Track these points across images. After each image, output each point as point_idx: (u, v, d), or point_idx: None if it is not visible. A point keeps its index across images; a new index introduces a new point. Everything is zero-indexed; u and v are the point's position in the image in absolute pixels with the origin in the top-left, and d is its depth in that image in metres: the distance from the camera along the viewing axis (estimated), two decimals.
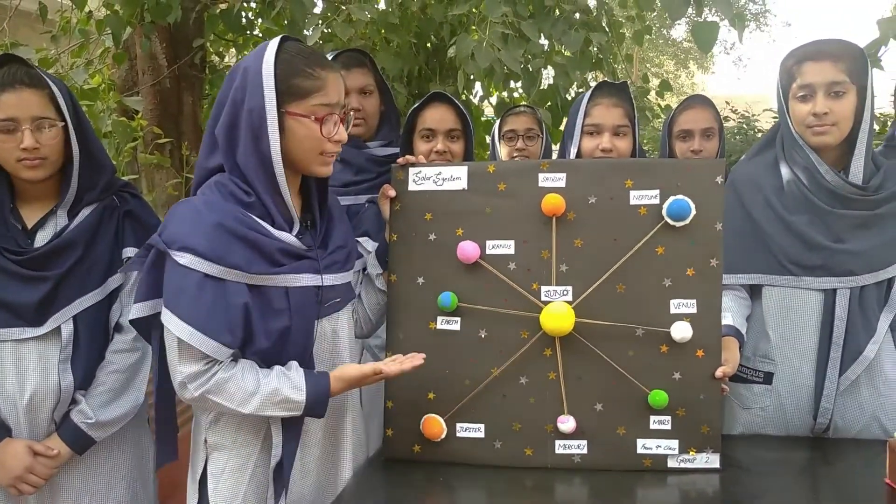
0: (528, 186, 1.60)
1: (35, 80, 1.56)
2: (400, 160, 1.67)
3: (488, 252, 1.61)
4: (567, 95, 3.86)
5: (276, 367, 1.40)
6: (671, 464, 1.55)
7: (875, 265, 1.68)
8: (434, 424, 1.59)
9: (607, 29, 3.76)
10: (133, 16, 3.50)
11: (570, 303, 1.56)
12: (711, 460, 1.55)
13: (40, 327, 1.58)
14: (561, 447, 1.57)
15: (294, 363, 1.42)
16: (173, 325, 1.32)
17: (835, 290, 1.69)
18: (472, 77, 3.31)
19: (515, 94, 4.35)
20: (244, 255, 1.35)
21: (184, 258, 1.32)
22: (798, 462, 1.65)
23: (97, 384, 1.63)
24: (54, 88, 1.57)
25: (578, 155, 1.91)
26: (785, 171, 1.76)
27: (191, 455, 1.51)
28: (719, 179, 1.56)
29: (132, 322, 1.41)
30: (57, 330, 1.59)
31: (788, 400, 1.75)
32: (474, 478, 1.55)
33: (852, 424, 1.72)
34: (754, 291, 1.80)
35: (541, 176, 1.60)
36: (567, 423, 1.55)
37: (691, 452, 1.55)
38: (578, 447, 1.57)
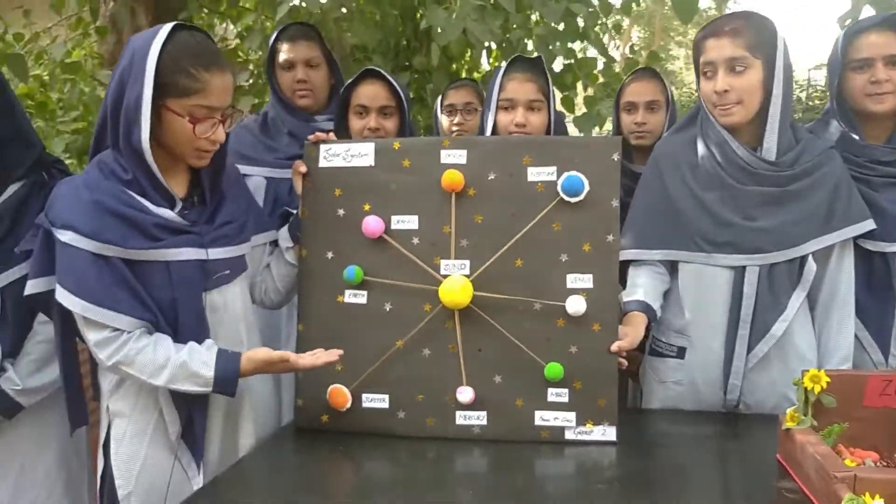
0: (431, 163, 1.63)
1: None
2: (311, 137, 1.71)
3: (393, 227, 1.64)
4: (553, 67, 3.82)
5: (190, 343, 1.46)
6: (568, 436, 1.59)
7: (785, 242, 1.68)
8: (339, 394, 1.64)
9: None
10: None
11: (468, 276, 1.59)
12: (608, 433, 1.58)
13: None
14: (461, 418, 1.61)
15: (209, 341, 1.49)
16: (67, 301, 1.39)
17: (744, 268, 1.69)
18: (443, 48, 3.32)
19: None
20: (120, 231, 1.41)
21: (65, 235, 1.39)
22: (702, 436, 1.67)
23: (25, 353, 1.71)
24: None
25: (494, 129, 1.92)
26: (701, 147, 1.76)
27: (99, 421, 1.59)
28: (615, 156, 1.57)
29: (28, 298, 1.47)
30: None
31: (700, 375, 1.76)
32: (377, 448, 1.60)
33: (765, 401, 1.73)
34: (672, 267, 1.81)
35: (443, 153, 1.63)
36: (464, 393, 1.59)
37: (588, 425, 1.58)
38: (478, 418, 1.61)
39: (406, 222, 1.63)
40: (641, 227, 1.81)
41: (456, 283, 1.57)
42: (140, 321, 1.43)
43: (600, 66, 4.04)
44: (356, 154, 1.67)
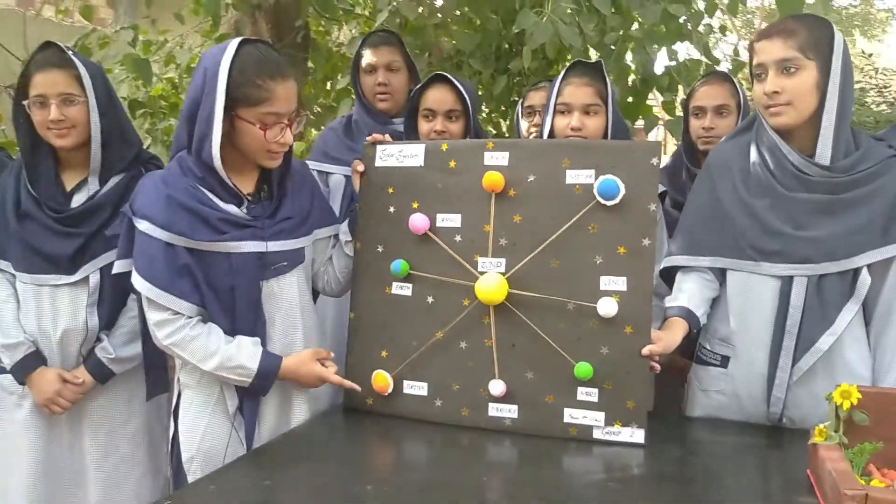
0: (475, 164, 1.70)
1: (64, 62, 1.84)
2: (368, 139, 1.83)
3: (438, 225, 1.73)
4: (655, 69, 3.77)
5: (239, 337, 1.63)
6: (596, 435, 1.62)
7: (836, 254, 1.62)
8: (381, 379, 1.75)
9: None
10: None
11: (503, 274, 1.66)
12: (636, 435, 1.60)
13: (73, 275, 1.89)
14: (494, 410, 1.68)
15: (257, 339, 1.65)
16: (137, 282, 1.59)
17: (792, 278, 1.66)
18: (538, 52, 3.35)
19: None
20: (189, 223, 1.58)
21: (142, 224, 1.59)
22: (737, 445, 1.65)
23: (118, 326, 1.93)
24: (81, 70, 1.85)
25: (551, 133, 1.96)
26: (753, 153, 1.73)
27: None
28: (654, 161, 1.59)
29: (105, 276, 1.68)
30: (86, 279, 1.89)
31: (743, 386, 1.73)
32: (415, 432, 1.70)
33: (810, 416, 1.68)
34: (722, 275, 1.79)
35: (486, 154, 1.70)
36: (496, 386, 1.66)
37: (617, 425, 1.61)
38: (509, 411, 1.67)
39: (450, 220, 1.72)
40: (691, 234, 1.81)
41: (491, 280, 1.64)
42: (198, 308, 1.60)
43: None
44: (408, 155, 1.77)
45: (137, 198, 1.63)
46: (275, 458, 1.54)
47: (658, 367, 1.62)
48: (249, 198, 1.68)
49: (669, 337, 1.63)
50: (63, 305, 1.89)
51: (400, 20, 3.67)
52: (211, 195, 1.62)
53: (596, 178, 1.61)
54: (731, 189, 1.74)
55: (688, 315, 1.71)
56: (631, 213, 1.60)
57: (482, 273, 1.67)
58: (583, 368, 1.60)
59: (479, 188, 1.68)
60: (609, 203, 1.59)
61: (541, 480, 1.45)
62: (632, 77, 3.79)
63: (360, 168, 1.81)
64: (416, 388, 1.74)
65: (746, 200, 1.71)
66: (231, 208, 1.64)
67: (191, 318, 1.60)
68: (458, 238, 1.71)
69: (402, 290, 1.76)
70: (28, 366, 1.88)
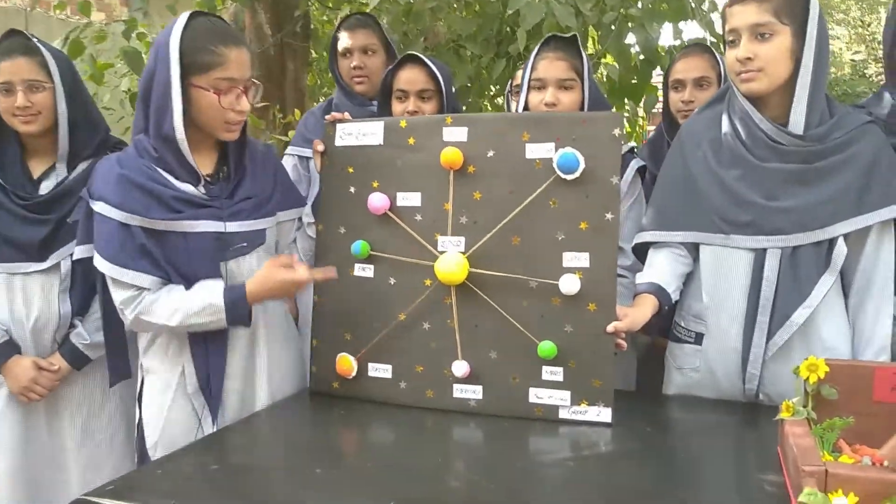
0: (434, 141, 1.66)
1: (29, 49, 1.84)
2: (328, 117, 1.79)
3: (399, 204, 1.69)
4: (659, 49, 3.68)
5: (199, 283, 1.61)
6: (563, 414, 1.57)
7: (809, 224, 1.56)
8: (345, 362, 1.72)
9: None
10: None
11: (464, 253, 1.62)
12: (603, 414, 1.55)
13: (43, 262, 1.88)
14: (458, 391, 1.64)
15: (218, 279, 1.63)
16: (98, 263, 1.59)
17: (765, 251, 1.59)
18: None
19: None
20: (143, 202, 1.57)
21: (97, 205, 1.57)
22: (708, 423, 1.60)
23: (92, 311, 1.93)
24: (47, 56, 1.84)
25: (525, 109, 1.91)
26: (725, 123, 1.67)
27: None
28: (616, 132, 1.53)
29: (77, 263, 1.67)
30: (57, 265, 1.89)
31: (718, 363, 1.68)
32: (380, 415, 1.67)
33: (787, 392, 1.61)
34: (696, 250, 1.73)
35: (445, 130, 1.66)
36: (459, 367, 1.62)
37: (583, 404, 1.56)
38: (474, 392, 1.63)
39: (410, 199, 1.68)
40: (662, 208, 1.75)
41: (451, 259, 1.60)
42: (161, 281, 1.59)
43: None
44: (367, 133, 1.73)
45: (94, 180, 1.62)
46: (230, 442, 1.52)
47: (624, 344, 1.57)
48: (208, 178, 1.66)
49: (636, 313, 1.58)
50: (35, 293, 1.89)
51: (393, 4, 3.64)
52: (166, 174, 1.61)
53: (556, 152, 1.56)
54: (702, 161, 1.68)
55: (658, 291, 1.66)
56: (593, 187, 1.54)
57: (442, 253, 1.63)
58: (546, 347, 1.55)
59: (439, 165, 1.64)
60: (569, 177, 1.54)
61: (506, 461, 1.41)
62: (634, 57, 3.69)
63: (321, 148, 1.78)
64: (380, 370, 1.71)
65: (717, 172, 1.65)
66: (187, 187, 1.62)
67: (149, 288, 1.59)
68: (418, 217, 1.68)
69: (364, 271, 1.73)
70: (2, 354, 1.88)
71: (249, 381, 1.72)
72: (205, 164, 1.68)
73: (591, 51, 4.11)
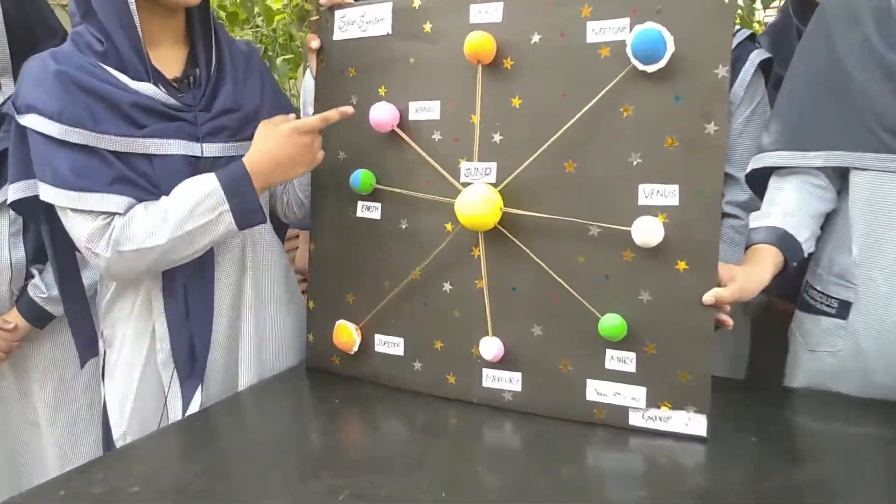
0: (458, 24, 1.16)
1: None
2: (324, 0, 1.31)
3: (411, 117, 1.22)
4: None
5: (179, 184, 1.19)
6: (634, 421, 1.09)
7: None
8: (344, 333, 1.29)
9: None
10: None
11: (495, 185, 1.13)
12: (695, 423, 1.05)
13: None
14: (489, 379, 1.19)
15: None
16: (51, 195, 1.15)
17: None
18: None
19: None
20: (89, 109, 1.13)
21: (28, 119, 1.14)
22: (866, 437, 1.08)
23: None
24: None
25: None
26: None
27: None
28: None
29: (13, 206, 1.28)
30: (4, 204, 1.54)
31: (870, 342, 1.14)
32: (389, 404, 1.24)
33: None
34: (842, 178, 1.18)
35: (473, 8, 1.15)
36: (489, 346, 1.15)
37: (664, 407, 1.07)
38: (510, 381, 1.17)
39: (426, 110, 1.20)
40: (793, 118, 1.20)
41: (475, 195, 1.12)
42: (134, 200, 1.16)
43: None
44: (371, 20, 1.25)
45: (20, 87, 1.18)
46: (219, 420, 1.17)
47: (729, 321, 1.06)
48: (174, 84, 1.23)
49: (750, 275, 1.07)
50: None
51: None
52: (118, 74, 1.17)
53: (630, 32, 1.03)
54: (860, 43, 1.11)
55: (783, 240, 1.13)
56: (686, 84, 1.01)
57: (466, 185, 1.15)
58: (612, 323, 1.06)
59: (464, 60, 1.15)
60: (651, 68, 1.02)
61: (557, 483, 0.96)
62: None
63: (315, 44, 1.31)
64: (389, 345, 1.27)
65: (885, 58, 1.08)
66: (145, 87, 1.18)
67: (119, 213, 1.17)
68: (436, 135, 1.20)
69: (369, 211, 1.28)
70: None
71: (233, 352, 1.33)
72: (168, 67, 1.25)
73: None
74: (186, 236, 1.14)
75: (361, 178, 1.24)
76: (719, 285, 1.03)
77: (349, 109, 1.19)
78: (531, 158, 1.10)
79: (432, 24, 1.19)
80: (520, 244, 1.12)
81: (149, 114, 1.18)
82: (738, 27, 1.42)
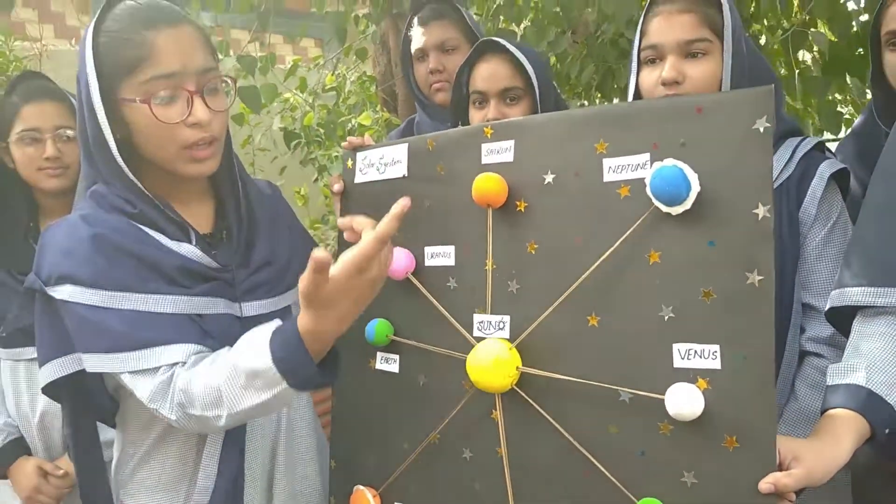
0: (469, 165, 1.07)
1: (56, 93, 1.57)
2: (345, 144, 1.26)
3: (427, 263, 1.12)
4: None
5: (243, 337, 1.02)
6: None
7: None
8: (362, 501, 1.16)
9: None
10: (385, 10, 3.48)
11: (509, 341, 1.00)
12: None
13: None
14: None
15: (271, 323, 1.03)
16: (105, 364, 1.03)
17: None
18: None
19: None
20: (133, 272, 1.05)
21: (60, 291, 1.03)
22: None
23: None
24: (74, 101, 1.52)
25: (637, 95, 1.24)
26: None
27: None
28: (761, 125, 0.84)
29: (45, 390, 1.15)
30: None
31: None
32: None
33: None
34: None
35: (484, 148, 1.05)
36: None
37: None
38: None
39: (441, 255, 1.10)
40: (879, 246, 1.00)
41: (488, 353, 0.99)
42: (196, 346, 1.05)
43: None
44: (389, 162, 1.18)
45: (43, 257, 1.07)
46: None
47: None
48: (208, 239, 1.16)
49: (821, 454, 0.86)
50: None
51: None
52: (154, 234, 1.10)
53: (650, 168, 0.89)
54: None
55: (868, 404, 0.92)
56: (721, 227, 0.86)
57: (479, 340, 1.03)
58: None
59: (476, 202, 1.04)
60: (676, 210, 0.87)
61: None
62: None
63: (337, 188, 1.24)
64: None
65: None
66: (186, 248, 1.11)
67: (182, 362, 1.04)
68: (451, 283, 1.09)
69: (387, 363, 1.17)
70: (7, 456, 1.57)
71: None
72: (199, 222, 1.17)
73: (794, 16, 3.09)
74: (243, 414, 0.99)
75: (376, 328, 1.14)
76: (780, 467, 0.83)
77: (407, 202, 0.94)
78: (548, 311, 0.96)
79: (445, 166, 1.10)
80: (542, 411, 0.97)
81: (191, 276, 1.10)
82: (803, 137, 1.25)
